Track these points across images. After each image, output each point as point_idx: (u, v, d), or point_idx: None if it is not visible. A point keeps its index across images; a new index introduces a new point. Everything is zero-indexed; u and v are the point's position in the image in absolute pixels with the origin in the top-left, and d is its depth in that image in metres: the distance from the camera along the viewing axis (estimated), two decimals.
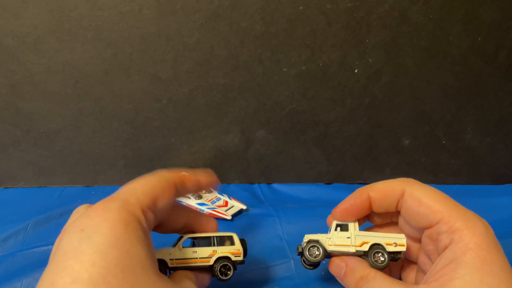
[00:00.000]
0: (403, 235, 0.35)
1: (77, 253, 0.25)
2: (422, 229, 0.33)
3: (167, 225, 0.37)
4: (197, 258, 0.35)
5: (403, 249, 0.35)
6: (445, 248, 0.30)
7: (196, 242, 0.37)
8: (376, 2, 0.52)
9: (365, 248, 0.35)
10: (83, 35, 0.53)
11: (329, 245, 0.35)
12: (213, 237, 0.37)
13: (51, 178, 0.61)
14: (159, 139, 0.59)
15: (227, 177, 0.63)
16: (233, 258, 0.36)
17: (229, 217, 0.53)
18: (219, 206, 0.55)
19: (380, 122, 0.59)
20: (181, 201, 0.56)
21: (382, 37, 0.54)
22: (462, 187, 0.62)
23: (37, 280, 0.42)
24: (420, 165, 0.62)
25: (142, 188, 0.31)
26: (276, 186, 0.62)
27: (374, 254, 0.35)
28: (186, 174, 0.35)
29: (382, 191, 0.34)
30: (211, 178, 0.38)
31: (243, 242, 0.38)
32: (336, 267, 0.36)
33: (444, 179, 0.62)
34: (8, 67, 0.54)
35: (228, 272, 0.36)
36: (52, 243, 0.47)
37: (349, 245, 0.35)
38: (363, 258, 0.35)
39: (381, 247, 0.35)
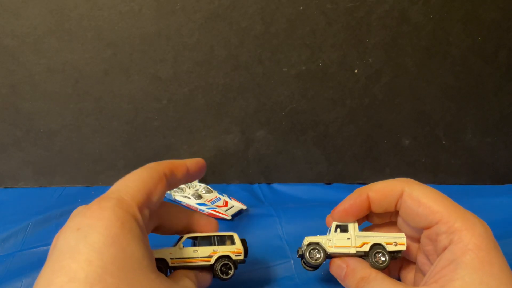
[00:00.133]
0: (403, 234, 0.35)
1: (73, 252, 0.25)
2: (421, 229, 0.33)
3: (167, 226, 0.37)
4: (197, 257, 0.35)
5: (403, 248, 0.35)
6: (444, 248, 0.30)
7: (196, 242, 0.37)
8: (376, 2, 0.52)
9: (366, 248, 0.35)
10: (83, 35, 0.53)
11: (330, 247, 0.35)
12: (214, 236, 0.37)
13: (51, 178, 0.61)
14: (159, 139, 0.59)
15: (227, 177, 0.63)
16: (234, 257, 0.36)
17: (229, 217, 0.53)
18: (219, 206, 0.54)
19: (380, 122, 0.59)
20: (181, 202, 0.56)
21: (382, 37, 0.54)
22: (462, 187, 0.62)
23: None
24: (420, 165, 0.62)
25: (135, 185, 0.31)
26: (276, 186, 0.62)
27: (374, 255, 0.35)
28: (175, 162, 0.35)
29: (381, 191, 0.34)
30: (199, 163, 0.38)
31: (244, 242, 0.38)
32: (337, 268, 0.36)
33: (444, 179, 0.62)
34: (8, 67, 0.54)
35: (229, 271, 0.36)
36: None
37: (349, 246, 0.35)
38: (363, 258, 0.35)
39: (381, 247, 0.35)
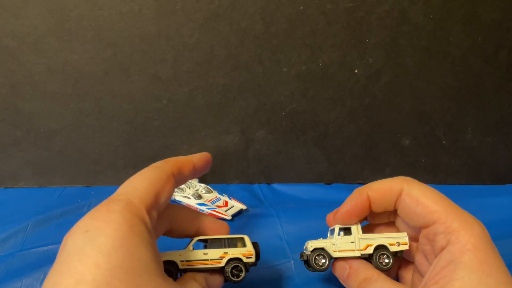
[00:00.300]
0: (405, 234, 0.35)
1: (81, 255, 0.25)
2: (419, 229, 0.33)
3: (179, 230, 0.37)
4: (208, 259, 0.35)
5: (406, 247, 0.35)
6: (442, 249, 0.30)
7: (207, 244, 0.36)
8: (376, 2, 0.52)
9: (370, 250, 0.35)
10: (83, 35, 0.53)
11: (334, 251, 0.35)
12: (225, 239, 0.37)
13: (51, 178, 0.61)
14: (159, 139, 0.59)
15: (227, 177, 0.63)
16: (245, 260, 0.36)
17: (229, 217, 0.53)
18: (219, 206, 0.54)
19: (380, 122, 0.59)
20: (181, 202, 0.56)
21: (382, 37, 0.54)
22: (462, 187, 0.62)
23: (37, 280, 0.42)
24: (420, 165, 0.62)
25: (143, 186, 0.30)
26: (276, 186, 0.62)
27: (379, 256, 0.35)
28: (181, 159, 0.35)
29: (380, 190, 0.34)
30: (205, 158, 0.38)
31: (255, 245, 0.37)
32: (340, 268, 0.36)
33: (444, 179, 0.62)
34: (8, 67, 0.54)
35: (240, 274, 0.36)
36: (52, 243, 0.48)
37: (354, 250, 0.35)
38: (367, 260, 0.35)
39: (385, 249, 0.35)
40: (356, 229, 0.36)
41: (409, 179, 0.34)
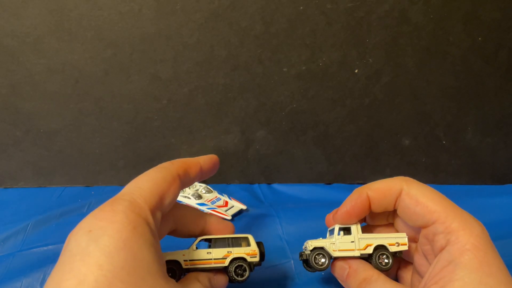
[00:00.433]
0: (404, 234, 0.35)
1: (84, 255, 0.25)
2: (418, 229, 0.33)
3: (184, 230, 0.36)
4: (211, 259, 0.35)
5: (405, 248, 0.35)
6: (441, 249, 0.30)
7: (211, 244, 0.36)
8: (376, 2, 0.52)
9: (369, 250, 0.35)
10: (83, 35, 0.53)
11: (334, 250, 0.35)
12: (228, 238, 0.36)
13: (51, 178, 0.61)
14: (159, 139, 0.59)
15: (227, 177, 0.63)
16: (249, 259, 0.36)
17: (229, 217, 0.53)
18: (219, 206, 0.54)
19: (380, 122, 0.59)
20: (181, 202, 0.56)
21: (382, 37, 0.54)
22: (462, 187, 0.62)
23: (37, 280, 0.42)
24: (420, 165, 0.62)
25: (148, 187, 0.30)
26: (276, 186, 0.62)
27: (378, 256, 0.35)
28: (188, 160, 0.35)
29: (380, 190, 0.34)
30: (212, 160, 0.37)
31: (260, 244, 0.37)
32: (339, 268, 0.36)
33: (444, 179, 0.62)
34: (8, 67, 0.54)
35: (244, 273, 0.35)
36: (52, 243, 0.48)
37: (353, 250, 0.35)
38: (366, 260, 0.35)
39: (385, 249, 0.35)
40: (356, 229, 0.36)
41: (408, 179, 0.34)
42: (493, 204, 0.55)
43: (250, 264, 0.36)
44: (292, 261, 0.45)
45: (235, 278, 0.35)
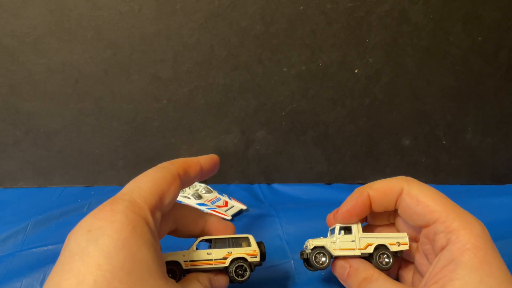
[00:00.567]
0: (405, 234, 0.35)
1: (83, 255, 0.25)
2: (419, 228, 0.33)
3: (184, 230, 0.36)
4: (211, 259, 0.35)
5: (406, 248, 0.35)
6: (442, 248, 0.30)
7: (211, 244, 0.36)
8: (376, 2, 0.52)
9: (370, 250, 0.35)
10: (83, 35, 0.53)
11: (334, 249, 0.35)
12: (229, 238, 0.36)
13: (50, 178, 0.61)
14: (159, 139, 0.59)
15: (227, 177, 0.63)
16: (249, 259, 0.36)
17: (229, 217, 0.53)
18: (219, 206, 0.54)
19: (380, 122, 0.59)
20: (180, 202, 0.56)
21: (382, 37, 0.54)
22: (462, 187, 0.62)
23: (37, 280, 0.42)
24: (421, 165, 0.62)
25: (148, 187, 0.30)
26: (276, 186, 0.62)
27: (379, 256, 0.35)
28: (188, 160, 0.35)
29: (381, 190, 0.34)
30: (213, 160, 0.37)
31: (261, 244, 0.37)
32: (340, 268, 0.36)
33: (444, 179, 0.62)
34: (8, 67, 0.54)
35: (244, 274, 0.35)
36: (52, 243, 0.48)
37: (354, 249, 0.35)
38: (367, 259, 0.35)
39: (386, 248, 0.35)
40: (356, 228, 0.36)
41: (409, 178, 0.34)
42: (493, 204, 0.55)
43: (250, 264, 0.36)
44: (292, 261, 0.45)
45: (235, 279, 0.35)
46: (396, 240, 0.35)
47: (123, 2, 0.52)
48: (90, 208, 0.55)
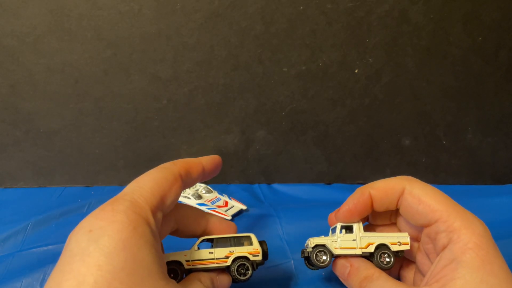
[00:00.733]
0: (406, 234, 0.35)
1: (84, 255, 0.25)
2: (420, 228, 0.33)
3: (186, 230, 0.36)
4: (213, 259, 0.35)
5: (407, 247, 0.35)
6: (444, 247, 0.30)
7: (213, 244, 0.36)
8: (376, 2, 0.52)
9: (371, 249, 0.35)
10: (83, 35, 0.53)
11: (335, 248, 0.35)
12: (231, 238, 0.36)
13: (50, 178, 0.61)
14: (159, 139, 0.59)
15: (227, 177, 0.62)
16: (251, 258, 0.35)
17: (229, 217, 0.53)
18: (219, 206, 0.54)
19: (380, 122, 0.59)
20: (180, 202, 0.56)
21: (382, 37, 0.54)
22: (462, 187, 0.62)
23: (37, 280, 0.42)
24: (421, 165, 0.62)
25: (149, 187, 0.30)
26: (276, 186, 0.62)
27: (380, 255, 0.35)
28: (190, 161, 0.35)
29: (382, 189, 0.34)
30: (215, 161, 0.37)
31: (263, 244, 0.37)
32: (341, 267, 0.36)
33: (444, 179, 0.62)
34: (8, 67, 0.54)
35: (247, 272, 0.35)
36: (52, 243, 0.48)
37: (355, 248, 0.35)
38: (368, 259, 0.35)
39: (387, 248, 0.35)
40: (357, 227, 0.36)
41: (411, 178, 0.34)
42: (493, 204, 0.55)
43: (253, 263, 0.35)
44: (292, 261, 0.45)
45: (238, 278, 0.35)
46: (397, 239, 0.35)
47: (123, 2, 0.52)
48: (90, 208, 0.55)
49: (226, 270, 0.35)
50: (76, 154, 0.60)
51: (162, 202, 0.30)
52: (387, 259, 0.35)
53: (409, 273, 0.37)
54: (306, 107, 0.58)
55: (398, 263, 0.38)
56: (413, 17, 0.53)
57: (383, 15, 0.53)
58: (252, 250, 0.36)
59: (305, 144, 0.60)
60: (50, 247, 0.47)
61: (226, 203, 0.55)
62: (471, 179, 0.62)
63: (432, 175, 0.62)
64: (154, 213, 0.29)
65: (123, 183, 0.62)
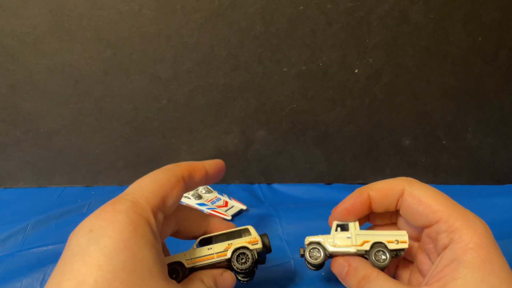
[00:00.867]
0: (404, 232, 0.35)
1: (84, 255, 0.25)
2: (421, 228, 0.33)
3: (187, 231, 0.36)
4: (213, 253, 0.35)
5: (405, 246, 0.34)
6: (445, 247, 0.30)
7: (212, 241, 0.36)
8: (376, 2, 0.52)
9: (366, 247, 0.35)
10: (83, 35, 0.53)
11: (330, 246, 0.35)
12: (228, 232, 0.36)
13: (50, 178, 0.61)
14: (159, 139, 0.59)
15: (227, 177, 0.63)
16: (251, 247, 0.35)
17: (229, 217, 0.53)
18: (219, 206, 0.54)
19: (380, 122, 0.59)
20: (180, 202, 0.56)
21: (382, 37, 0.54)
22: (462, 187, 0.62)
23: (37, 280, 0.42)
24: (421, 165, 0.62)
25: (151, 188, 0.30)
26: (276, 186, 0.62)
27: (375, 253, 0.34)
28: (194, 164, 0.35)
29: (382, 190, 0.34)
30: (218, 165, 0.37)
31: (264, 236, 0.37)
32: (339, 266, 0.36)
33: (444, 179, 0.62)
34: (8, 67, 0.54)
35: (247, 261, 0.34)
36: (52, 243, 0.48)
37: (349, 245, 0.35)
38: (365, 257, 0.35)
39: (382, 245, 0.35)
40: (353, 225, 0.36)
41: (411, 179, 0.34)
42: (493, 204, 0.55)
43: (252, 252, 0.35)
44: (292, 261, 0.45)
45: (238, 268, 0.34)
46: (394, 238, 0.35)
47: (123, 2, 0.52)
48: (90, 208, 0.55)
49: (227, 266, 0.35)
50: (76, 154, 0.60)
51: (164, 203, 0.30)
52: (383, 257, 0.34)
53: (405, 273, 0.37)
54: (306, 107, 0.58)
55: (394, 263, 0.38)
56: (413, 17, 0.53)
57: (383, 15, 0.53)
58: (250, 239, 0.36)
59: (305, 144, 0.60)
60: (50, 247, 0.47)
61: (226, 203, 0.55)
62: (471, 179, 0.62)
63: (432, 175, 0.62)
64: (155, 213, 0.29)
65: (123, 183, 0.62)
